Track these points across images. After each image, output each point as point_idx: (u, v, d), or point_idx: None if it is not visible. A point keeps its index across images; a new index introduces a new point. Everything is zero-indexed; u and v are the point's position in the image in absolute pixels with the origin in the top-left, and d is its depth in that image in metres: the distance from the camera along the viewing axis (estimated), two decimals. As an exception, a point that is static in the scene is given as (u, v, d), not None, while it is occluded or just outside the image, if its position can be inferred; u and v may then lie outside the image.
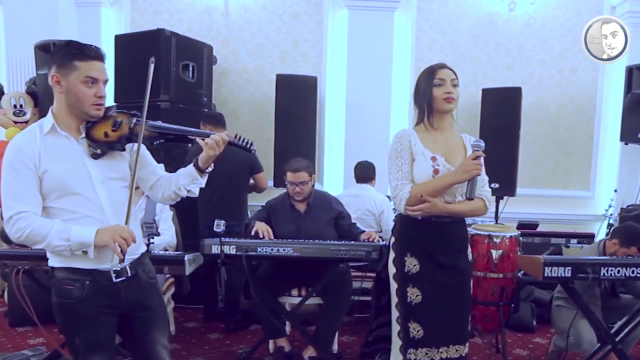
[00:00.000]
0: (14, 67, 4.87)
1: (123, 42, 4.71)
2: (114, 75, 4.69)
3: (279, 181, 4.81)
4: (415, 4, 5.34)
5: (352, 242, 3.34)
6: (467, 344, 2.38)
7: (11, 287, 3.87)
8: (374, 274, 3.90)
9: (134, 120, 1.94)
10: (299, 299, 3.56)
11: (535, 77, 5.34)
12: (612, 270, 2.95)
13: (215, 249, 3.20)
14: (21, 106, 4.73)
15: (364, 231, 3.62)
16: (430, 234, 2.31)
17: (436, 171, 2.25)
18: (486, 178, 2.38)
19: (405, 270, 2.32)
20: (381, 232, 4.02)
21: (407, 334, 2.32)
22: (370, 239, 3.37)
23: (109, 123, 1.90)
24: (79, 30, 5.17)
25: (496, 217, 4.96)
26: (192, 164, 2.03)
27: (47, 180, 1.82)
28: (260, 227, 3.37)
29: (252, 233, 3.35)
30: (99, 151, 1.88)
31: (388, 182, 2.37)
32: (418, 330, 2.30)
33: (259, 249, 3.22)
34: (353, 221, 3.72)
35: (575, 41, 5.30)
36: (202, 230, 4.14)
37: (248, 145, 2.01)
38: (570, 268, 2.93)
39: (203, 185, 2.07)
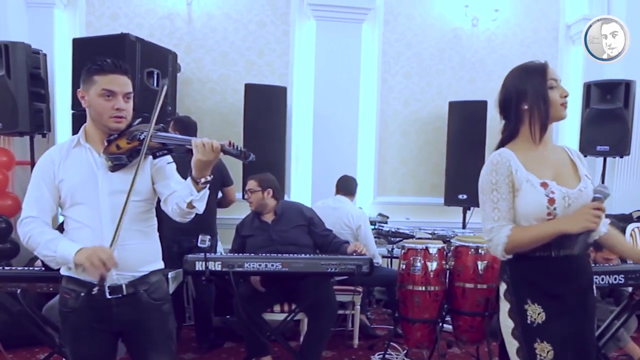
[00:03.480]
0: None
1: (82, 47, 4.42)
2: (71, 81, 4.42)
3: (248, 194, 4.68)
4: (382, 17, 5.38)
5: (341, 255, 3.27)
6: None
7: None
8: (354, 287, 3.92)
9: (146, 132, 1.85)
10: (281, 314, 3.46)
11: (497, 91, 5.43)
12: (598, 278, 3.04)
13: (199, 266, 3.04)
14: (-34, 112, 4.35)
15: (346, 242, 3.57)
16: (554, 271, 1.84)
17: (552, 201, 1.80)
18: None
19: (529, 322, 1.85)
20: None
21: None
22: (358, 252, 3.32)
23: (126, 136, 1.88)
24: (30, 31, 4.83)
25: (464, 227, 5.04)
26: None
27: (62, 189, 1.90)
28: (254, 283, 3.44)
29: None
30: (110, 163, 1.88)
31: (481, 220, 1.90)
32: None
33: (245, 265, 3.08)
34: (328, 228, 3.70)
35: (535, 57, 5.41)
36: (170, 247, 3.91)
37: (245, 155, 1.80)
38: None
39: (202, 200, 1.88)
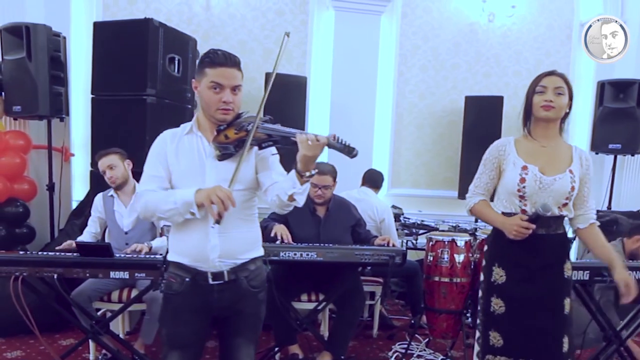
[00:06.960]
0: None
1: (103, 31, 4.36)
2: (92, 65, 4.37)
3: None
4: (400, 9, 5.41)
5: (374, 246, 3.30)
6: None
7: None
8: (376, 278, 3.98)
9: (253, 123, 1.88)
10: (309, 304, 3.49)
11: (511, 87, 5.56)
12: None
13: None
14: (-17, 94, 4.28)
15: (375, 236, 3.59)
16: (521, 246, 2.23)
17: (522, 180, 2.21)
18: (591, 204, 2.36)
19: (492, 279, 2.31)
20: None
21: (486, 341, 2.31)
22: (386, 244, 3.34)
23: (235, 127, 1.91)
24: (46, 13, 4.75)
25: (476, 221, 5.10)
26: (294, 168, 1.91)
27: (172, 174, 1.97)
28: (280, 229, 3.25)
29: (272, 234, 3.22)
30: (218, 152, 1.92)
31: None
32: (498, 340, 2.28)
33: (281, 254, 3.10)
34: (368, 228, 3.69)
35: (548, 54, 5.60)
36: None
37: (349, 149, 1.83)
38: (588, 272, 3.08)
39: (303, 193, 1.88)
